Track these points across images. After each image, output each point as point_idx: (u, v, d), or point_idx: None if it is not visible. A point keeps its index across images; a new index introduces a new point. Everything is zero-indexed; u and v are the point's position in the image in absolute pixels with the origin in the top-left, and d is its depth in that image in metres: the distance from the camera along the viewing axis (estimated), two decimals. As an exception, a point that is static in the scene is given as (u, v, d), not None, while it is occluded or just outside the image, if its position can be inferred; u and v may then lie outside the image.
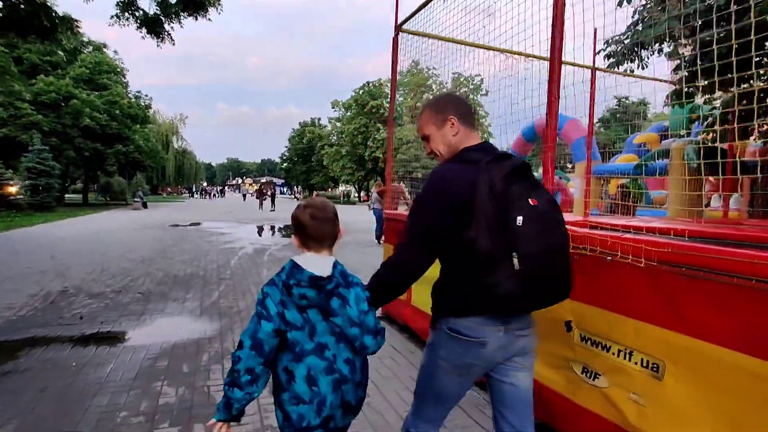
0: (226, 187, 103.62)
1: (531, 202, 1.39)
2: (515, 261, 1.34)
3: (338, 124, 53.42)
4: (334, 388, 1.45)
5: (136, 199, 27.44)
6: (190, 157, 67.16)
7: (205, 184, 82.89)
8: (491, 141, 1.89)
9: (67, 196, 41.33)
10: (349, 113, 50.97)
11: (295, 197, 60.01)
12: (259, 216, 23.28)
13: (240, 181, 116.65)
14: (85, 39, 28.76)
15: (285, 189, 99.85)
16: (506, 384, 1.57)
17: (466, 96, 37.17)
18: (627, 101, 47.02)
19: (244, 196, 60.88)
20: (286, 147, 65.85)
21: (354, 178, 48.31)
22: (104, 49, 30.01)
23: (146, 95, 32.99)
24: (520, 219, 1.35)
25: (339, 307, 1.47)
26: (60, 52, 26.99)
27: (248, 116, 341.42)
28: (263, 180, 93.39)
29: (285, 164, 67.45)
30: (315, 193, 60.98)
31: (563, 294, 1.50)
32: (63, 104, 25.00)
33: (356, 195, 58.80)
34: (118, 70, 29.29)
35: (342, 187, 73.53)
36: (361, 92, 47.42)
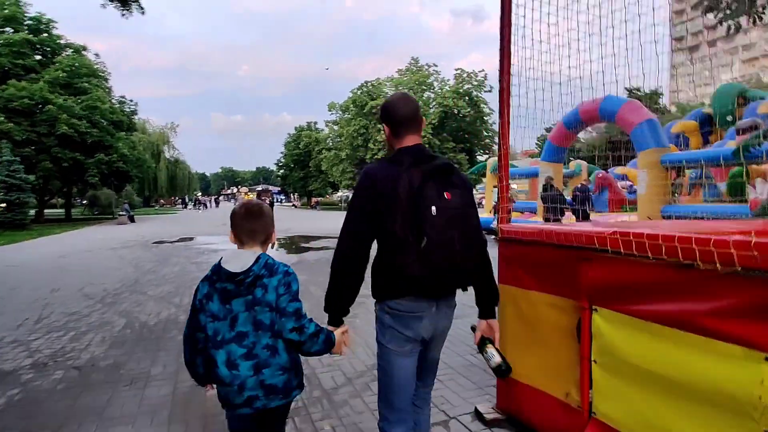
0: (221, 197, 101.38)
1: (446, 196, 1.64)
2: (424, 244, 1.57)
3: (335, 127, 51.26)
4: (254, 370, 1.55)
5: (121, 213, 25.14)
6: (183, 167, 64.82)
7: (199, 194, 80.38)
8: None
9: (48, 211, 39.02)
10: (346, 115, 48.85)
11: (294, 205, 57.65)
12: (257, 227, 21.00)
13: (235, 190, 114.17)
14: (63, 42, 26.52)
15: (281, 197, 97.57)
16: (425, 359, 1.87)
17: (468, 93, 34.62)
18: (638, 92, 45.23)
19: (241, 205, 58.47)
20: (281, 153, 63.59)
21: (355, 183, 46.12)
22: (84, 53, 27.69)
23: (131, 101, 30.56)
24: (433, 209, 1.59)
25: (261, 296, 1.57)
26: (35, 56, 24.76)
27: (242, 125, 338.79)
28: (259, 188, 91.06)
29: (281, 171, 65.16)
30: (314, 200, 58.68)
31: (465, 282, 1.77)
32: (37, 111, 22.69)
33: (357, 200, 56.68)
34: (99, 73, 26.92)
35: (341, 193, 71.41)
36: (359, 92, 45.30)
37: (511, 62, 2.86)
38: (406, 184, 1.62)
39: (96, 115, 24.36)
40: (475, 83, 44.18)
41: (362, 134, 43.43)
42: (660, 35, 2.73)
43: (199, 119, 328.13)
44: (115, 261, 10.03)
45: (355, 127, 43.63)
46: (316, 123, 60.19)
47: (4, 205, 19.01)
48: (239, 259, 1.59)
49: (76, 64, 25.42)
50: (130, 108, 30.74)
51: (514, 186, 15.19)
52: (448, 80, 45.89)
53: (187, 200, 62.12)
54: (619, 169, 17.07)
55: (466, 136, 46.30)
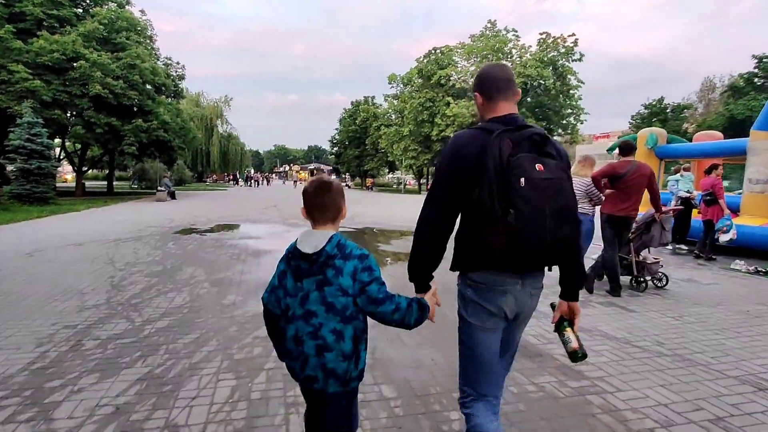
0: (273, 175, 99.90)
1: (537, 168, 1.52)
2: (511, 218, 1.48)
3: (396, 102, 46.57)
4: (317, 352, 1.56)
5: (160, 188, 22.01)
6: (235, 142, 62.77)
7: (252, 171, 78.62)
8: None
9: (92, 183, 37.35)
10: (408, 88, 44.01)
11: (347, 185, 53.96)
12: (312, 211, 17.11)
13: (287, 168, 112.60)
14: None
15: (333, 176, 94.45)
16: (508, 342, 1.82)
17: (554, 61, 28.32)
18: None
19: (295, 183, 55.60)
20: (336, 129, 59.83)
21: (419, 162, 41.38)
22: (128, 7, 24.62)
23: (178, 63, 27.41)
24: (522, 181, 1.49)
25: (332, 277, 1.56)
26: (73, 8, 21.80)
27: (295, 104, 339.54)
28: (311, 166, 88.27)
29: (335, 149, 61.47)
30: (369, 180, 54.64)
31: (557, 258, 1.65)
32: (70, 68, 19.73)
33: (417, 182, 51.85)
34: (139, 29, 23.69)
35: (395, 174, 66.92)
36: (425, 61, 40.25)
37: None
38: (496, 153, 1.53)
39: (134, 75, 21.16)
40: (563, 50, 38.02)
41: (428, 108, 38.49)
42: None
43: (253, 98, 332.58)
44: (88, 274, 6.19)
45: (420, 100, 38.74)
46: (374, 98, 55.69)
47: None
48: (312, 240, 1.61)
49: (116, 17, 22.29)
50: (177, 72, 27.64)
51: (676, 178, 10.16)
52: (530, 47, 39.88)
53: (238, 176, 59.77)
54: None
55: (548, 111, 40.32)
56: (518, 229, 1.49)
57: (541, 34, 38.65)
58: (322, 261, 1.58)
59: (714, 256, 8.18)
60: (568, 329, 1.80)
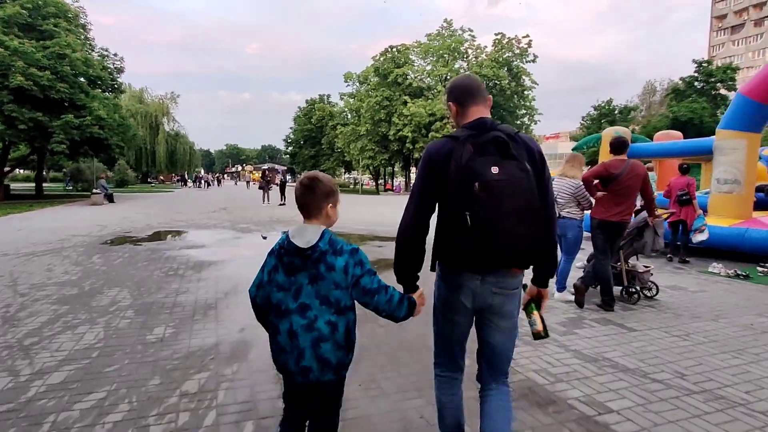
0: (225, 175, 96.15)
1: (492, 171, 1.57)
2: (468, 220, 1.56)
3: (352, 101, 45.67)
4: (313, 344, 1.60)
5: (96, 190, 20.07)
6: (183, 141, 59.52)
7: (202, 171, 75.04)
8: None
9: (19, 186, 34.09)
10: (365, 86, 43.23)
11: (303, 185, 52.51)
12: (264, 213, 15.95)
13: (240, 168, 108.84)
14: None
15: (288, 177, 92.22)
16: (486, 343, 1.87)
17: (509, 62, 28.67)
18: (709, 66, 39.51)
19: (248, 183, 53.49)
20: (291, 128, 58.13)
21: (376, 162, 40.67)
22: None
23: (115, 55, 25.19)
24: (477, 184, 1.55)
25: (325, 271, 1.62)
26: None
27: (249, 103, 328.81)
28: (265, 166, 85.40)
29: (290, 148, 59.71)
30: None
31: (521, 258, 1.66)
32: (-14, 57, 17.52)
33: (374, 183, 51.05)
34: (70, 16, 21.54)
35: (351, 174, 65.98)
36: (382, 59, 39.60)
37: None
38: (458, 158, 1.62)
39: (64, 66, 19.12)
40: (517, 51, 38.43)
41: (385, 107, 37.88)
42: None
43: (205, 96, 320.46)
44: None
45: (377, 98, 38.06)
46: (329, 96, 54.48)
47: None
48: (305, 235, 1.65)
49: (42, 2, 20.11)
50: (115, 65, 25.44)
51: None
52: (485, 47, 40.12)
53: (186, 177, 56.78)
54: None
55: (503, 112, 40.72)
56: (474, 230, 1.57)
57: (496, 34, 39.07)
58: (315, 257, 1.62)
59: (687, 259, 7.94)
60: (535, 312, 1.92)
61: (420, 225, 1.77)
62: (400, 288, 1.86)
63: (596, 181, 4.81)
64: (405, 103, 36.92)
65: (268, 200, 21.77)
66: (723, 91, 37.35)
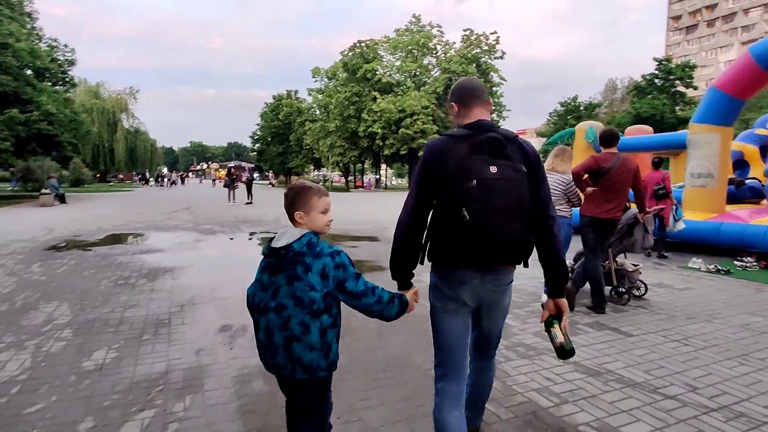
0: (190, 173, 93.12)
1: (490, 170, 1.63)
2: (465, 216, 1.60)
3: (320, 96, 44.77)
4: (286, 342, 1.64)
5: (45, 191, 18.70)
6: (144, 137, 57.06)
7: (164, 169, 72.22)
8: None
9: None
10: (333, 82, 42.47)
11: (271, 183, 51.18)
12: (230, 213, 15.20)
13: (205, 166, 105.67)
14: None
15: (255, 174, 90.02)
16: (478, 330, 1.95)
17: (477, 58, 28.76)
18: (668, 63, 40.74)
19: (214, 181, 51.77)
20: (257, 125, 56.62)
21: (346, 159, 40.04)
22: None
23: (66, 46, 23.63)
24: (474, 182, 1.60)
25: (302, 273, 1.64)
26: None
27: (213, 99, 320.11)
28: (231, 164, 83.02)
29: (257, 145, 58.16)
30: (294, 178, 52.35)
31: (513, 256, 1.72)
32: None
33: (344, 179, 50.33)
34: (13, 2, 19.99)
35: (321, 171, 65.05)
36: (350, 54, 38.94)
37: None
38: (455, 157, 1.66)
39: (6, 56, 17.71)
40: (486, 48, 38.53)
41: (354, 103, 37.29)
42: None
43: (167, 93, 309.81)
44: None
45: (346, 94, 37.41)
46: (297, 92, 53.36)
47: None
48: (286, 236, 1.69)
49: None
50: (65, 56, 23.88)
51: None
52: (454, 43, 40.04)
53: (148, 176, 54.52)
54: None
55: (471, 109, 40.82)
56: (470, 226, 1.61)
57: (464, 30, 39.01)
58: (289, 257, 1.66)
59: (665, 254, 7.84)
60: (556, 326, 1.85)
61: (417, 222, 1.79)
62: (393, 285, 1.88)
63: (586, 176, 4.51)
64: (374, 99, 36.43)
65: (234, 199, 20.89)
66: (681, 88, 38.63)
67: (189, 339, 3.67)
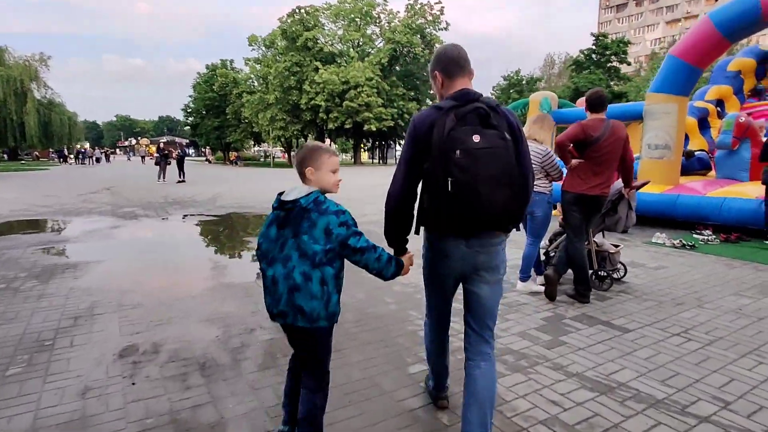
0: (117, 150, 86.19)
1: (474, 139, 1.63)
2: (449, 186, 1.62)
3: (258, 67, 42.13)
4: (289, 291, 1.73)
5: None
6: (60, 110, 51.44)
7: (87, 145, 65.93)
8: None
9: None
10: (272, 51, 40.03)
11: (208, 160, 48.12)
12: (158, 193, 13.64)
13: (134, 142, 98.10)
14: None
15: (191, 150, 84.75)
16: (472, 293, 1.90)
17: (422, 29, 28.06)
18: (605, 39, 41.81)
19: (143, 158, 47.83)
20: (190, 97, 52.73)
21: (288, 133, 38.19)
22: None
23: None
24: (458, 152, 1.61)
25: (307, 228, 1.73)
26: None
27: (141, 70, 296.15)
28: (163, 139, 77.08)
29: (190, 119, 54.33)
30: (233, 154, 49.55)
31: (496, 222, 1.72)
32: None
33: (287, 155, 48.23)
34: None
35: (262, 146, 62.24)
36: (289, 21, 36.66)
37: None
38: (441, 127, 1.66)
39: None
40: (430, 18, 37.58)
41: (295, 73, 35.33)
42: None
43: (89, 63, 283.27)
44: None
45: (285, 64, 35.31)
46: (233, 61, 50.00)
47: None
48: (294, 191, 1.78)
49: None
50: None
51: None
52: (398, 13, 38.75)
53: (67, 153, 49.55)
54: None
55: (416, 81, 40.05)
56: (456, 195, 1.62)
57: (408, 0, 37.76)
58: (296, 212, 1.74)
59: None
60: None
61: (407, 192, 1.83)
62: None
63: (571, 146, 3.89)
64: (316, 69, 34.70)
65: (164, 177, 19.04)
66: (615, 64, 39.96)
67: (75, 371, 2.70)
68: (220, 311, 3.73)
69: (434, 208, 1.71)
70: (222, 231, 7.85)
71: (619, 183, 4.23)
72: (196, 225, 8.25)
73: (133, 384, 2.56)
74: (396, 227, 1.90)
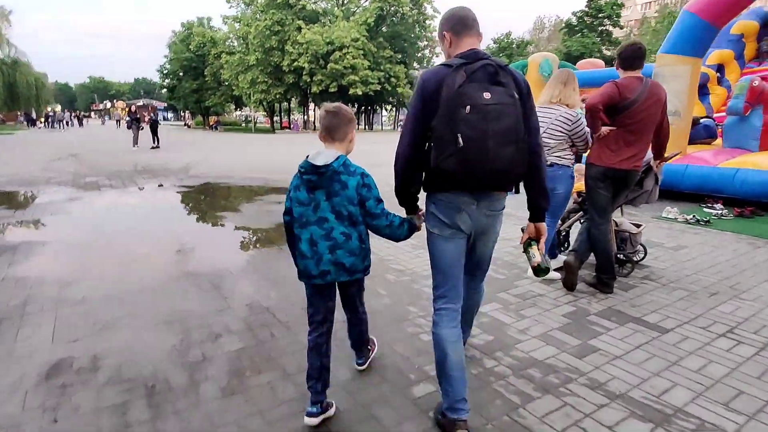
0: (92, 114, 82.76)
1: (483, 96, 1.61)
2: (459, 142, 1.60)
3: (237, 25, 39.90)
4: (330, 250, 1.85)
5: None
6: (26, 70, 48.39)
7: (58, 107, 62.88)
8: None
9: None
10: (252, 8, 37.84)
11: (186, 125, 46.24)
12: (128, 160, 12.69)
13: (109, 105, 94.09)
14: None
15: (168, 114, 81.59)
16: (472, 252, 1.99)
17: None
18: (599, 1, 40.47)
19: (118, 122, 45.78)
20: (166, 57, 50.11)
21: (270, 97, 36.63)
22: None
23: None
24: (468, 108, 1.59)
25: (340, 189, 1.83)
26: None
27: (116, 28, 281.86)
28: (139, 103, 73.77)
29: (167, 81, 51.80)
30: (213, 119, 47.70)
31: (503, 178, 1.71)
32: None
33: (269, 120, 46.58)
34: None
35: (243, 110, 60.19)
36: (270, -25, 34.42)
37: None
38: (450, 84, 1.64)
39: None
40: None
41: (277, 33, 33.51)
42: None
43: (58, 20, 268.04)
44: None
45: (266, 22, 33.39)
46: (211, 19, 47.35)
47: None
48: (322, 156, 1.84)
49: None
50: None
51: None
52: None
53: (34, 116, 47.09)
54: None
55: (403, 43, 38.50)
56: (464, 151, 1.60)
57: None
58: (329, 175, 1.81)
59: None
60: (534, 247, 1.98)
61: (415, 149, 1.80)
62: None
63: (602, 111, 3.25)
64: (299, 29, 32.95)
65: (137, 143, 17.91)
66: (609, 27, 38.87)
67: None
68: (180, 309, 3.10)
69: (444, 165, 1.67)
70: (194, 205, 7.12)
71: (649, 154, 3.64)
72: (165, 198, 7.49)
73: (55, 422, 1.96)
74: (406, 184, 1.89)
